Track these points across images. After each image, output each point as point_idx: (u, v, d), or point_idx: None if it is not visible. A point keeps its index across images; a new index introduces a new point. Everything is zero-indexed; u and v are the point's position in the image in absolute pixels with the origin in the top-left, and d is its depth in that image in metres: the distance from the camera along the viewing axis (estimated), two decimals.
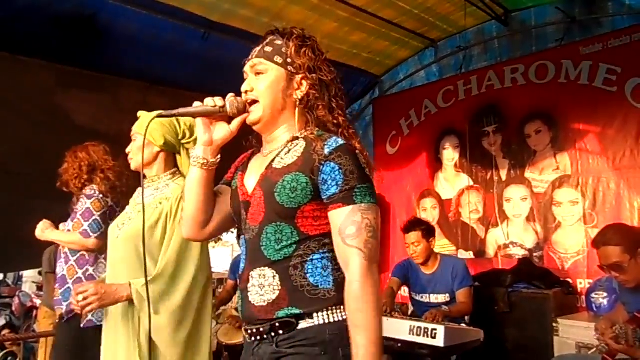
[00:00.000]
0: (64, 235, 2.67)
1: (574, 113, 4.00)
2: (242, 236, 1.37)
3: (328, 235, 1.28)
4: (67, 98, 3.72)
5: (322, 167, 1.25)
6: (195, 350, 1.89)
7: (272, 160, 1.34)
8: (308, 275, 1.26)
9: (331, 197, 1.24)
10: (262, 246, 1.29)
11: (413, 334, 2.84)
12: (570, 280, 3.78)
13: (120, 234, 1.97)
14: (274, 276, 1.27)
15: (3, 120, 3.49)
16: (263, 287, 1.28)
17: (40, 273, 5.48)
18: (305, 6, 3.93)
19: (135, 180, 2.28)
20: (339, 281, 1.26)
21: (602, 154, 3.83)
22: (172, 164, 2.06)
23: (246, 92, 1.36)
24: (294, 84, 1.36)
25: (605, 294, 3.20)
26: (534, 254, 4.11)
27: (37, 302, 6.38)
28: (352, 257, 1.21)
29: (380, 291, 1.22)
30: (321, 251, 1.28)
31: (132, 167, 2.11)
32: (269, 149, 1.39)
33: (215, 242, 10.10)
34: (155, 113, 1.43)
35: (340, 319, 1.25)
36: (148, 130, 1.96)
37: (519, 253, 4.20)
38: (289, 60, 1.35)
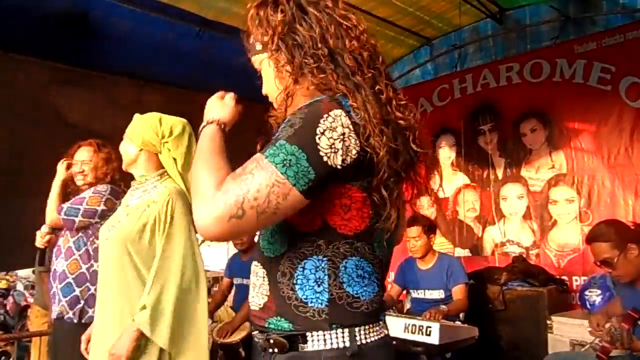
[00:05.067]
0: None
1: (569, 111, 4.01)
2: None
3: (324, 233, 1.04)
4: (60, 96, 3.69)
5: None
6: (194, 345, 1.90)
7: None
8: (297, 286, 1.05)
9: None
10: (260, 234, 1.13)
11: (408, 332, 2.84)
12: (565, 278, 3.79)
13: (110, 235, 1.98)
14: (264, 277, 1.10)
15: None
16: (255, 287, 1.13)
17: (33, 272, 5.44)
18: None
19: (124, 180, 2.28)
20: (337, 300, 1.04)
21: (597, 152, 3.84)
22: (157, 164, 2.07)
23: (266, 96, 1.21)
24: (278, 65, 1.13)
25: (598, 292, 3.21)
26: (531, 252, 4.12)
27: (32, 300, 6.34)
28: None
29: None
30: (315, 257, 1.04)
31: (123, 167, 2.17)
32: None
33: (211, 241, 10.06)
34: None
35: (340, 345, 1.03)
36: (129, 131, 2.04)
37: (515, 251, 4.20)
38: (261, 39, 1.14)
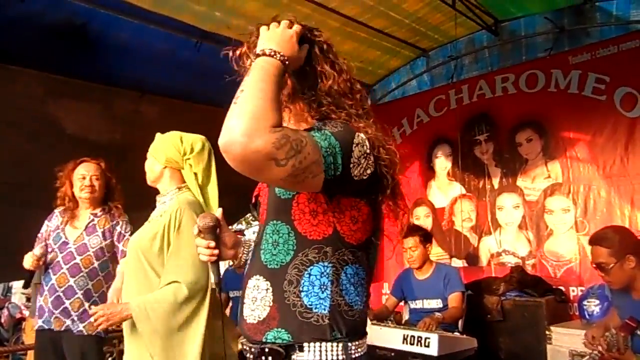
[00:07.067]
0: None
1: (564, 121, 4.04)
2: None
3: (330, 242, 1.14)
4: (58, 107, 3.70)
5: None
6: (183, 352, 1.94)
7: None
8: (303, 293, 1.12)
9: None
10: (261, 249, 1.19)
11: (406, 343, 2.83)
12: (562, 288, 3.79)
13: (129, 242, 2.11)
14: (267, 289, 1.15)
15: None
16: (255, 300, 1.17)
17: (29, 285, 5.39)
18: (297, 16, 3.94)
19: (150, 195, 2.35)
20: (336, 308, 1.13)
21: (593, 162, 3.87)
22: (180, 179, 2.14)
23: None
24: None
25: (597, 302, 3.21)
26: (527, 262, 4.13)
27: (27, 313, 6.29)
28: None
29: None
30: (321, 264, 1.13)
31: (148, 182, 2.25)
32: None
33: None
34: None
35: (334, 357, 1.11)
36: (152, 150, 2.13)
37: (511, 261, 4.21)
38: None
